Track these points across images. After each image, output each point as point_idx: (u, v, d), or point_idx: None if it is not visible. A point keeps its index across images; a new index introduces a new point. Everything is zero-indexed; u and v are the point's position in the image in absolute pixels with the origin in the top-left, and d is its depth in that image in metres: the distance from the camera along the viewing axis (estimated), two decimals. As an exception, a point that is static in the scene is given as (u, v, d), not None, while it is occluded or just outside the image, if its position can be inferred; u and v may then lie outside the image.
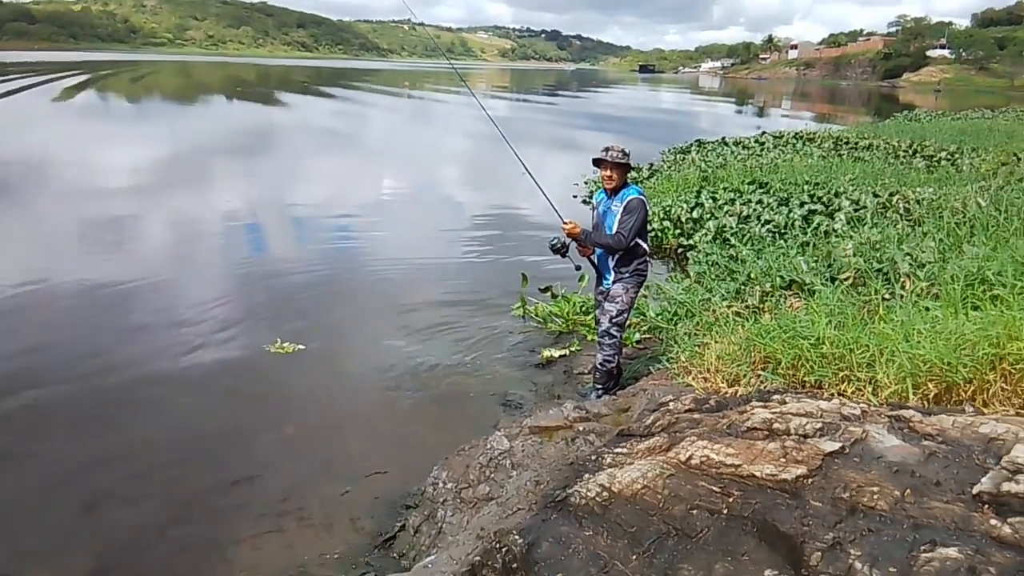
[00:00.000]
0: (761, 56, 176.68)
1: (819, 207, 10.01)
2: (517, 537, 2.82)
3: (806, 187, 11.27)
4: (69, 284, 8.30)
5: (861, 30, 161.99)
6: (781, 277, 6.40)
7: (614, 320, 5.29)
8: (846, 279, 5.93)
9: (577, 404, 4.70)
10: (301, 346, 6.69)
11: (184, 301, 7.97)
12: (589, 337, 6.71)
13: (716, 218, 10.29)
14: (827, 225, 9.00)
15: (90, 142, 21.67)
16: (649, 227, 6.45)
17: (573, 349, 6.68)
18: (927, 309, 4.47)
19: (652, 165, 16.79)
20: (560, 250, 5.30)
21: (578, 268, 5.59)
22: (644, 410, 4.22)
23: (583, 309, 7.30)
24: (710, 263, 8.19)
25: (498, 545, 2.81)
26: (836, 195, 10.48)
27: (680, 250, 10.07)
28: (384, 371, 6.34)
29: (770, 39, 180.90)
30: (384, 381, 6.16)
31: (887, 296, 5.22)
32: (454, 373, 6.30)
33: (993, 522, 2.38)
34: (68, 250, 9.90)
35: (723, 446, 3.11)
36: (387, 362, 6.51)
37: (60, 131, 24.03)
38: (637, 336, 6.67)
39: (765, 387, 4.13)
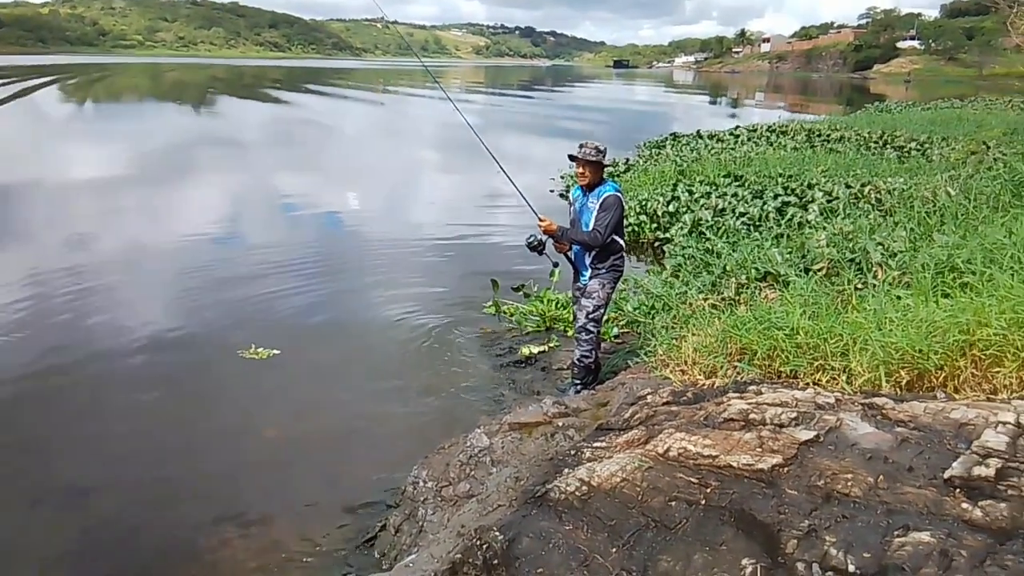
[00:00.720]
0: (734, 50, 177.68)
1: (793, 199, 10.11)
2: (497, 533, 2.82)
3: (780, 179, 11.39)
4: (33, 289, 8.19)
5: (832, 22, 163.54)
6: (756, 269, 6.46)
7: (591, 316, 5.31)
8: (820, 270, 5.99)
9: (556, 400, 4.71)
10: (276, 351, 6.63)
11: (148, 305, 7.89)
12: (570, 333, 6.73)
13: (692, 211, 10.35)
14: (801, 217, 9.10)
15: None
16: (626, 222, 6.48)
17: (552, 345, 6.70)
18: (899, 298, 4.53)
19: (628, 160, 16.86)
20: (537, 247, 5.31)
21: (556, 265, 5.59)
22: (622, 404, 4.24)
23: (559, 305, 7.31)
24: (686, 256, 8.24)
25: (479, 542, 2.81)
26: (809, 187, 10.60)
27: (657, 244, 10.13)
28: (361, 372, 6.32)
29: (742, 33, 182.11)
30: (361, 382, 6.15)
31: (860, 286, 5.28)
32: (432, 372, 6.29)
33: (964, 506, 2.42)
34: (22, 259, 9.70)
35: (700, 437, 3.13)
36: (364, 363, 6.49)
37: None
38: (615, 330, 6.70)
39: (742, 378, 4.16)
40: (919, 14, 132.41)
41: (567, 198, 5.98)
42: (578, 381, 5.48)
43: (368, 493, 4.49)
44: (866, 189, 9.78)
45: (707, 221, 9.81)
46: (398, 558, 3.62)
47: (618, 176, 14.41)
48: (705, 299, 6.00)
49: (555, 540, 2.75)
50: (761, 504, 2.65)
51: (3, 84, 48.24)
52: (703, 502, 2.77)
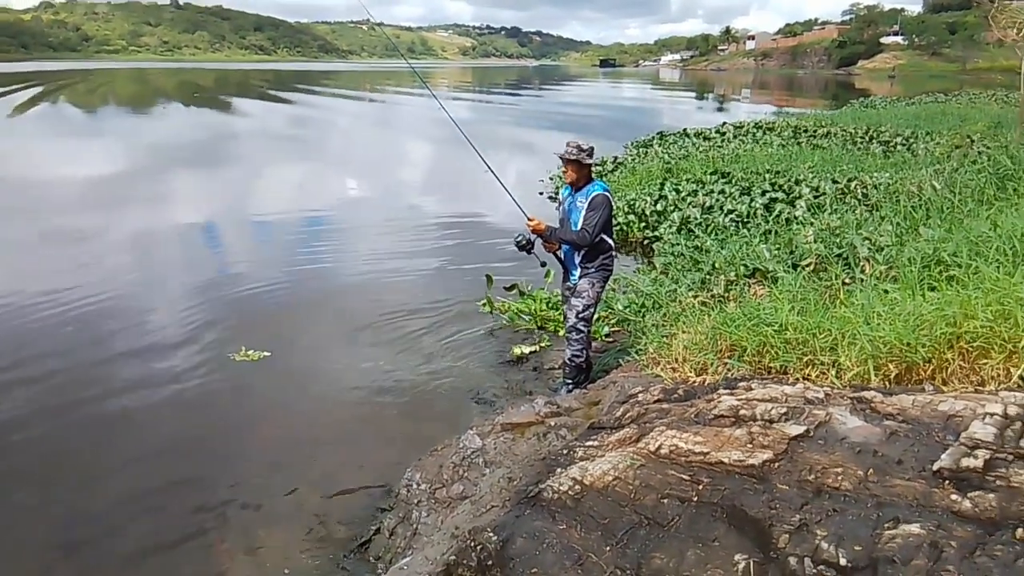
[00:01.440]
0: (720, 48, 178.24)
1: (780, 195, 10.17)
2: (491, 534, 2.83)
3: (767, 176, 11.44)
4: (27, 299, 8.12)
5: (816, 19, 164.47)
6: (745, 266, 6.50)
7: (581, 315, 5.33)
8: (807, 265, 6.03)
9: (548, 399, 4.72)
10: (267, 353, 6.61)
11: (144, 312, 7.86)
12: (560, 333, 6.73)
13: (680, 209, 10.39)
14: (788, 213, 9.15)
15: None
16: (615, 221, 6.49)
17: (543, 345, 6.71)
18: (886, 292, 4.56)
19: (616, 158, 16.88)
20: (525, 247, 5.32)
21: (543, 264, 5.60)
22: (614, 402, 4.25)
23: (550, 305, 7.32)
24: (675, 254, 8.28)
25: (473, 543, 2.81)
26: (796, 183, 10.65)
27: (646, 242, 10.15)
28: (353, 374, 6.30)
29: (728, 31, 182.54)
30: (354, 384, 6.13)
31: (847, 280, 5.32)
32: (424, 374, 6.28)
33: (954, 497, 2.44)
34: (22, 267, 9.67)
35: (691, 435, 3.15)
36: (356, 365, 6.47)
37: None
38: (606, 329, 6.71)
39: (732, 374, 4.17)
40: (902, 10, 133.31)
41: (556, 200, 5.99)
42: (569, 380, 5.49)
43: (361, 496, 4.48)
44: (852, 184, 9.85)
45: (695, 219, 9.85)
46: (392, 561, 3.62)
47: (606, 175, 14.44)
48: (695, 296, 6.02)
49: (549, 540, 2.76)
50: (752, 500, 2.66)
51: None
52: (695, 499, 2.78)
